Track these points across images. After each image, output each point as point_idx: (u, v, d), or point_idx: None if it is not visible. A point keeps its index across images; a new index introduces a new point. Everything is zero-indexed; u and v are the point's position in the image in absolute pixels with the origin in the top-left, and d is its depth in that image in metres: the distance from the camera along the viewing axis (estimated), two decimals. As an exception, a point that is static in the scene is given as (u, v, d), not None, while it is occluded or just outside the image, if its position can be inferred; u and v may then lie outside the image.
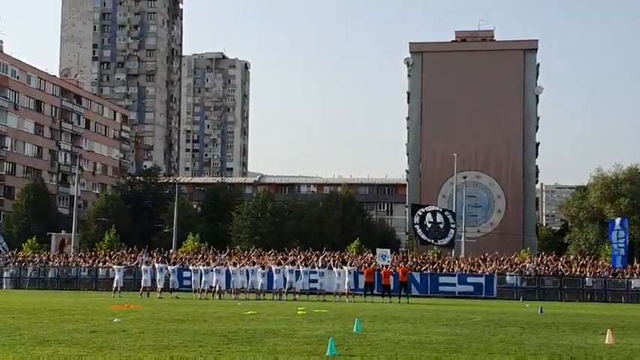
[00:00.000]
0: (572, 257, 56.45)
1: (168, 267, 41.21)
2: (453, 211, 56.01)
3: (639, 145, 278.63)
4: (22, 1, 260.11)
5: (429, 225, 51.20)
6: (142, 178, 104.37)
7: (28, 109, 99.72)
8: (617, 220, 48.89)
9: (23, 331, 17.51)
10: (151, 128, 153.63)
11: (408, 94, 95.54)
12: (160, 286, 39.24)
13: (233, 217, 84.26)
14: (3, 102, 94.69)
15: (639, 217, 70.53)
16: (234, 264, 39.71)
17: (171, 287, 39.73)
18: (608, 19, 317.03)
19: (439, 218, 51.71)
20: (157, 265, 40.72)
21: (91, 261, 52.86)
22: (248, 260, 43.08)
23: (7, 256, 56.06)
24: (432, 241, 51.57)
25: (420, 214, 51.93)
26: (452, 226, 51.78)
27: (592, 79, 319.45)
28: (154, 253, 49.63)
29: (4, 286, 51.63)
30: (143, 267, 40.99)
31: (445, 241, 51.68)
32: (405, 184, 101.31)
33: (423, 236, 51.60)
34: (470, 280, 46.29)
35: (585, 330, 20.33)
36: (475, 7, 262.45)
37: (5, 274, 52.84)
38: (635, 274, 46.67)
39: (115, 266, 43.04)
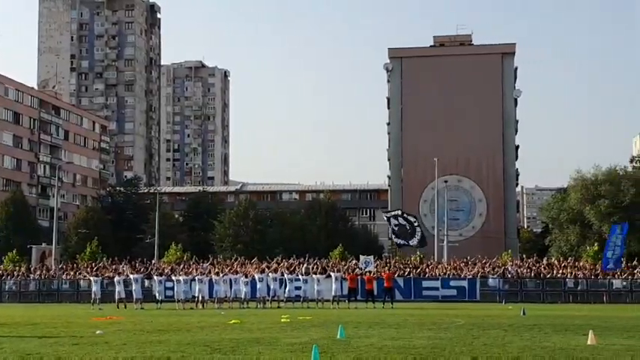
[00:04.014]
0: (553, 259, 56.71)
1: (155, 277, 41.13)
2: (413, 214, 56.90)
3: (618, 145, 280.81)
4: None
5: (396, 228, 52.70)
6: (122, 189, 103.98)
7: (6, 121, 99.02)
8: (618, 226, 50.29)
9: (4, 344, 17.35)
10: (130, 138, 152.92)
11: (388, 99, 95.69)
12: (136, 296, 39.06)
13: (215, 226, 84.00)
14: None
15: (619, 218, 70.85)
16: (217, 273, 39.62)
17: (157, 298, 39.56)
18: (583, 21, 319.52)
19: (401, 221, 53.06)
20: (132, 275, 40.59)
21: (72, 273, 52.55)
22: (231, 269, 42.95)
23: None
24: (404, 242, 52.77)
25: (387, 218, 53.84)
26: (416, 225, 52.70)
27: (569, 81, 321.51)
28: (137, 264, 49.47)
29: (-15, 301, 51.18)
30: (116, 278, 40.83)
31: (415, 240, 52.59)
32: (387, 190, 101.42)
33: (396, 239, 52.95)
34: (453, 283, 46.48)
35: (567, 331, 20.44)
36: (453, 11, 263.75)
37: (-14, 288, 52.36)
38: (616, 275, 47.00)
39: (92, 278, 42.77)
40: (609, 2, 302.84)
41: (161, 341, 17.89)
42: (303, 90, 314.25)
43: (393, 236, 53.59)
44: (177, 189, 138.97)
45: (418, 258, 56.25)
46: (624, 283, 46.23)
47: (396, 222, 53.39)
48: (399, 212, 55.64)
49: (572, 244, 73.08)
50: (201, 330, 21.57)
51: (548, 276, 47.25)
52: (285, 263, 44.47)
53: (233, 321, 25.10)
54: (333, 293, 38.09)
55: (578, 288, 46.56)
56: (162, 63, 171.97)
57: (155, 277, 41.18)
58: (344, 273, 41.40)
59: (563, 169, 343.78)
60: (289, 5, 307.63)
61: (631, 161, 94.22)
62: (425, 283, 46.66)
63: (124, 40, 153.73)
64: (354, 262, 50.51)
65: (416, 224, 53.14)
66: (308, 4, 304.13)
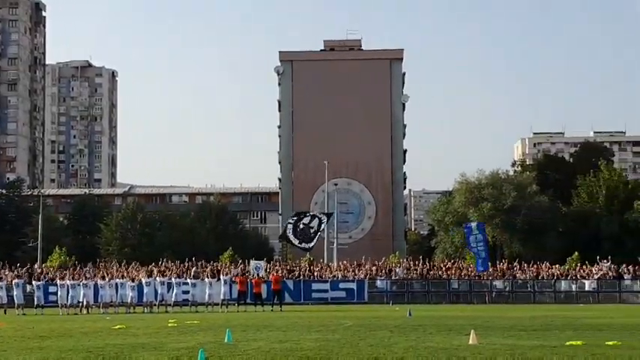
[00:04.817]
0: (438, 260, 58.10)
1: (34, 282, 39.84)
2: (327, 217, 56.29)
3: (500, 150, 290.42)
4: None
5: (301, 226, 51.60)
6: (4, 191, 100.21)
7: None
8: (474, 225, 50.19)
9: None
10: (13, 139, 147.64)
11: (279, 102, 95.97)
12: (18, 302, 37.83)
13: (101, 229, 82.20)
14: None
15: (501, 220, 73.29)
16: (103, 277, 38.71)
17: (36, 303, 38.31)
18: (469, 27, 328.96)
19: (313, 223, 52.53)
20: (14, 280, 39.26)
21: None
22: (117, 273, 42.04)
23: None
24: (297, 242, 52.08)
25: (295, 218, 52.53)
26: (320, 232, 52.57)
27: (455, 86, 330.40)
28: (19, 269, 47.79)
29: None
30: None
31: (308, 245, 52.16)
32: (278, 192, 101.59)
33: (292, 237, 51.85)
34: (342, 285, 46.94)
35: (451, 331, 20.96)
36: (344, 15, 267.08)
37: None
38: (497, 276, 48.55)
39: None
40: (494, 9, 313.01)
41: (42, 347, 17.38)
42: (193, 91, 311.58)
43: (291, 234, 52.51)
44: (62, 191, 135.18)
45: (308, 261, 56.52)
46: (506, 284, 47.81)
47: (306, 222, 52.59)
48: (319, 214, 54.83)
49: (456, 246, 75.11)
50: (84, 336, 21.05)
51: (434, 277, 48.38)
52: (174, 267, 43.90)
53: (118, 326, 24.61)
54: (222, 297, 37.88)
55: (462, 289, 47.89)
56: (47, 62, 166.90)
57: (34, 282, 39.92)
58: (233, 276, 41.21)
59: (449, 172, 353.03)
60: (179, 5, 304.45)
61: (512, 165, 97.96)
62: (314, 286, 46.97)
63: (8, 38, 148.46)
64: (243, 265, 50.23)
65: (321, 232, 52.90)
66: (199, 4, 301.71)
